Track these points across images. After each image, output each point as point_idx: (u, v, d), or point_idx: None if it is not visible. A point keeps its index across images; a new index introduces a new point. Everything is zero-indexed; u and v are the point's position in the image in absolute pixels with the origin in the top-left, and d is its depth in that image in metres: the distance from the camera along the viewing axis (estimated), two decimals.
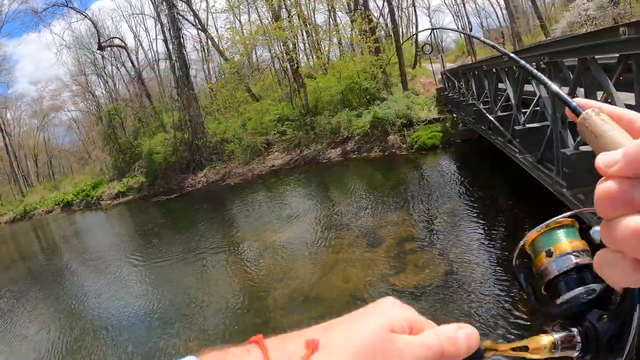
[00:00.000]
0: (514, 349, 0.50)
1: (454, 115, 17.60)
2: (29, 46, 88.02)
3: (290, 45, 25.63)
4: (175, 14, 27.83)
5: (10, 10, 43.51)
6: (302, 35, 29.95)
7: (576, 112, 0.44)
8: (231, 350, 0.40)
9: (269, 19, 27.21)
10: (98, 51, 37.19)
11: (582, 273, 0.58)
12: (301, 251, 9.49)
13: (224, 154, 25.69)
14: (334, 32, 28.08)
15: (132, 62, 36.97)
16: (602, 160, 0.35)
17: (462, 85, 14.40)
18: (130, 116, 35.56)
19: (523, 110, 7.15)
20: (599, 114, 0.42)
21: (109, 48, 38.24)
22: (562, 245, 0.59)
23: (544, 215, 0.63)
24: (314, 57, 30.04)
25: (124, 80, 39.40)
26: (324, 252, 9.01)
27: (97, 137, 43.85)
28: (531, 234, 0.62)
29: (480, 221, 8.65)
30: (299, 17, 26.39)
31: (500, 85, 8.98)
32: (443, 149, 16.69)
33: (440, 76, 22.24)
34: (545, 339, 0.51)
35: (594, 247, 0.47)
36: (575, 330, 0.52)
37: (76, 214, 30.36)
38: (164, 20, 28.19)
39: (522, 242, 0.62)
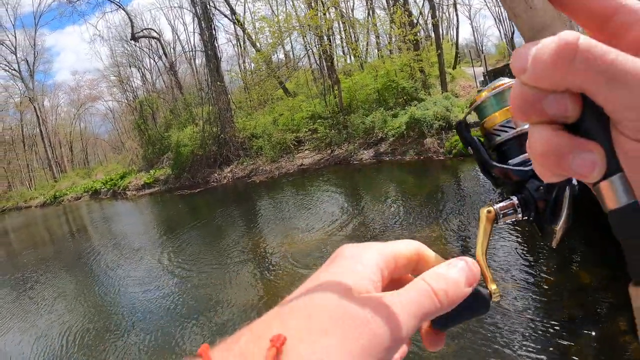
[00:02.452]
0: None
1: None
2: (71, 39, 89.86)
3: (325, 39, 24.73)
4: (208, 4, 27.35)
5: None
6: (339, 29, 29.17)
7: None
8: None
9: (304, 10, 26.41)
10: (131, 41, 37.18)
11: (524, 141, 0.58)
12: (322, 263, 8.59)
13: (252, 149, 25.08)
14: (372, 25, 27.13)
15: (165, 54, 36.70)
16: (513, 58, 0.31)
17: None
18: (163, 108, 35.48)
19: None
20: None
21: (146, 41, 38.24)
22: (508, 109, 0.59)
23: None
24: (350, 53, 29.22)
25: (160, 72, 39.33)
26: None
27: (129, 128, 44.18)
28: (482, 93, 0.62)
29: (522, 242, 7.57)
30: (335, 8, 25.52)
31: None
32: None
33: (482, 78, 21.17)
34: (485, 216, 0.54)
35: None
36: (514, 198, 0.55)
37: (102, 202, 30.29)
38: (198, 10, 27.77)
39: (475, 102, 0.63)
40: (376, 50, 29.10)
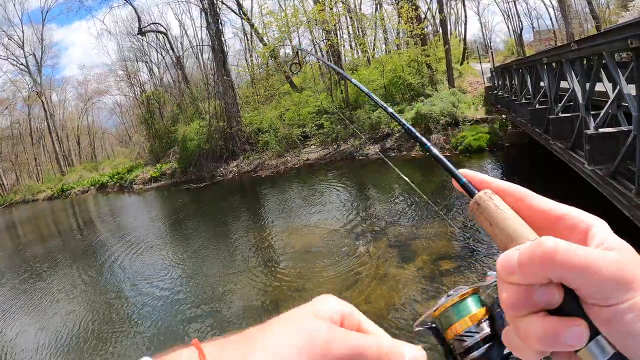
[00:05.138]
0: None
1: (504, 116, 16.39)
2: (78, 34, 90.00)
3: (332, 34, 24.62)
4: None
5: None
6: (347, 24, 29.05)
7: (467, 190, 0.48)
8: (174, 353, 0.40)
9: (312, 4, 26.32)
10: (139, 36, 37.16)
11: (492, 341, 0.62)
12: (325, 259, 8.56)
13: (259, 144, 25.05)
14: (379, 19, 26.99)
15: (172, 48, 36.68)
16: (500, 266, 0.41)
17: (514, 82, 13.24)
18: (170, 102, 35.48)
19: (592, 113, 6.05)
20: (492, 197, 0.46)
21: (153, 35, 38.23)
22: (470, 317, 0.62)
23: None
24: (358, 49, 29.10)
25: (167, 67, 39.32)
26: (348, 263, 8.05)
27: (137, 122, 44.27)
28: (441, 306, 0.65)
29: None
30: (342, 2, 25.38)
31: (562, 85, 7.89)
32: (490, 152, 15.49)
33: (489, 74, 21.02)
34: None
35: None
36: None
37: (109, 196, 30.44)
38: (205, 5, 27.71)
39: (433, 310, 0.66)
40: (383, 45, 28.96)
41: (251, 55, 36.40)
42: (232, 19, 56.93)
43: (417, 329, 0.67)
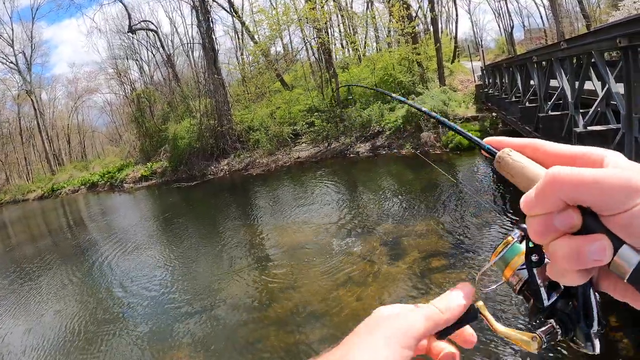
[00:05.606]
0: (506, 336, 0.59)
1: (494, 114, 16.44)
2: (68, 31, 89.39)
3: (323, 32, 24.57)
4: None
5: None
6: (338, 22, 29.02)
7: (491, 153, 0.55)
8: None
9: (303, 2, 26.26)
10: (129, 34, 36.96)
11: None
12: (315, 257, 8.53)
13: (249, 142, 24.98)
14: (370, 17, 26.99)
15: (162, 46, 36.49)
16: (523, 204, 0.45)
17: (505, 81, 13.27)
18: (161, 101, 35.31)
19: (581, 111, 6.06)
20: (510, 153, 0.51)
21: (144, 33, 38.01)
22: (519, 256, 0.62)
23: None
24: (349, 47, 29.10)
25: (157, 65, 39.12)
26: (339, 261, 8.02)
27: (127, 120, 44.04)
28: (497, 249, 0.66)
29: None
30: (334, 0, 25.35)
31: (552, 83, 7.90)
32: (481, 150, 15.50)
33: (480, 72, 21.08)
34: (533, 343, 0.57)
35: None
36: (552, 321, 0.58)
37: (100, 195, 30.21)
38: (196, 2, 27.58)
39: (492, 261, 0.67)
40: (374, 44, 28.98)
41: (242, 54, 36.32)
42: (223, 17, 56.71)
43: (478, 278, 0.70)
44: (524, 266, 0.62)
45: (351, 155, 19.94)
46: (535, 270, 0.61)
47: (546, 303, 0.60)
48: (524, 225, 0.60)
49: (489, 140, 0.56)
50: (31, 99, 46.50)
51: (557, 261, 0.44)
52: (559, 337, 0.57)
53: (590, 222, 0.41)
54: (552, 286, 0.59)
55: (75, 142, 56.22)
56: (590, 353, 0.56)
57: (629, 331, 4.39)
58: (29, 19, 49.45)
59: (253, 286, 7.98)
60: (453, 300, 0.58)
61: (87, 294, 9.84)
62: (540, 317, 0.59)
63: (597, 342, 0.56)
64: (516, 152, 0.51)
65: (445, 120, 0.77)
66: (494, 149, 0.54)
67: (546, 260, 0.59)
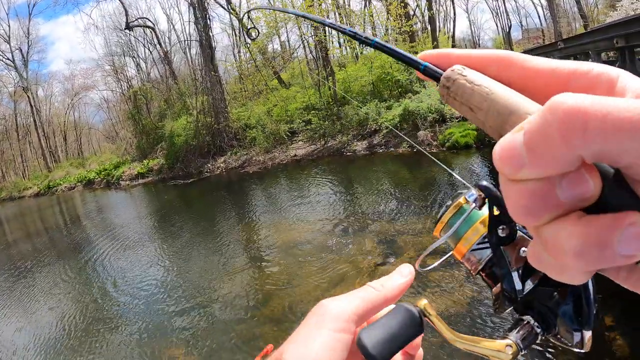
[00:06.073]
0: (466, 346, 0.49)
1: None
2: (65, 28, 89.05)
3: (321, 30, 24.53)
4: None
5: None
6: (335, 20, 28.91)
7: (430, 74, 0.37)
8: None
9: (300, 0, 26.21)
10: (126, 31, 36.90)
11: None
12: (311, 255, 8.52)
13: (246, 140, 24.96)
14: (368, 16, 26.98)
15: (159, 43, 36.43)
16: (501, 158, 0.27)
17: None
18: (157, 98, 35.27)
19: None
20: (463, 72, 0.34)
21: (141, 30, 37.94)
22: (476, 226, 0.50)
23: None
24: (346, 46, 29.07)
25: (154, 62, 39.06)
26: (335, 259, 8.01)
27: (124, 117, 44.00)
28: (443, 217, 0.53)
29: None
30: None
31: None
32: (477, 149, 15.49)
33: None
34: (506, 354, 0.47)
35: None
36: (528, 318, 0.47)
37: (96, 192, 30.14)
38: None
39: (439, 241, 0.54)
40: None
41: (239, 51, 36.27)
42: (220, 14, 56.60)
43: (420, 269, 0.56)
44: (486, 242, 0.48)
45: (348, 153, 19.91)
46: (503, 249, 0.46)
47: (521, 294, 0.46)
48: (485, 184, 0.47)
49: (426, 55, 0.37)
50: (27, 96, 46.35)
51: (558, 254, 0.26)
52: (540, 337, 0.47)
53: (616, 191, 0.25)
54: (528, 270, 0.47)
55: (71, 139, 56.00)
56: (578, 351, 0.45)
57: (624, 330, 4.38)
58: (26, 16, 49.04)
59: (249, 284, 7.97)
60: (389, 278, 0.57)
61: (81, 292, 9.79)
62: (510, 308, 0.48)
63: (588, 339, 0.44)
64: (473, 71, 0.33)
65: (361, 34, 0.55)
66: (438, 69, 0.35)
67: (519, 233, 0.46)
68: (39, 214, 27.28)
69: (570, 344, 0.45)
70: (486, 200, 0.47)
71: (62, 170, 41.42)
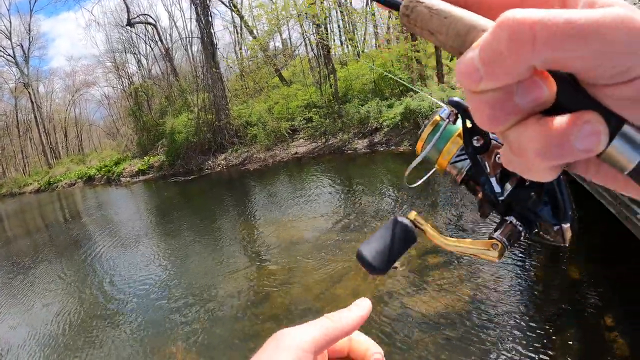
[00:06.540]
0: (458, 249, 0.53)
1: None
2: (66, 25, 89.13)
3: (322, 28, 24.49)
4: None
5: None
6: (337, 18, 28.93)
7: (389, 4, 0.39)
8: None
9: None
10: (127, 27, 36.89)
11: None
12: (311, 253, 8.51)
13: (247, 137, 24.93)
14: (369, 14, 26.92)
15: (161, 40, 36.39)
16: (461, 74, 0.29)
17: None
18: (158, 95, 35.25)
19: None
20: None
21: (142, 27, 37.91)
22: (454, 139, 0.55)
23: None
24: (348, 44, 29.03)
25: (155, 58, 39.03)
26: (335, 257, 8.00)
27: (124, 114, 44.00)
28: (422, 134, 0.59)
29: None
30: None
31: None
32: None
33: None
34: (493, 251, 0.50)
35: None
36: (511, 218, 0.51)
37: (96, 189, 30.13)
38: None
39: (421, 156, 0.59)
40: (373, 40, 28.92)
41: (241, 48, 36.19)
42: (221, 11, 56.44)
43: (407, 185, 0.60)
44: (464, 153, 0.52)
45: (349, 151, 19.88)
46: (480, 157, 0.50)
47: (501, 196, 0.50)
48: (456, 99, 0.51)
49: None
50: (28, 92, 46.38)
51: (523, 154, 0.29)
52: (523, 236, 0.50)
53: (571, 93, 0.27)
54: (505, 174, 0.50)
55: (72, 136, 56.00)
56: (560, 245, 0.49)
57: (624, 330, 4.38)
58: (27, 12, 49.23)
59: (249, 281, 7.97)
60: (347, 310, 0.60)
61: (80, 289, 9.79)
62: (494, 212, 0.51)
63: (566, 232, 0.47)
64: None
65: None
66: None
67: (494, 142, 0.49)
68: (39, 210, 27.28)
69: (552, 240, 0.48)
70: (458, 115, 0.50)
71: (62, 167, 41.42)
